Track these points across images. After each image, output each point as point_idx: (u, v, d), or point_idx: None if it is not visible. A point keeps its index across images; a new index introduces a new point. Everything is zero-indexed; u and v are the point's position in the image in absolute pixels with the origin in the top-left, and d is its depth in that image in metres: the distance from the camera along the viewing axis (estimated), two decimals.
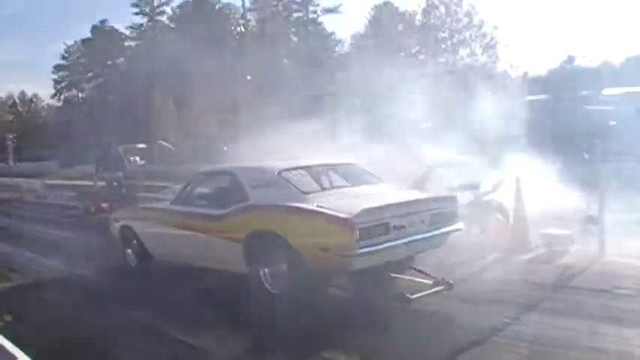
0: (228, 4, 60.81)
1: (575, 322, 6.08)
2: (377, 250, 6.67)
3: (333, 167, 8.52)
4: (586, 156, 9.58)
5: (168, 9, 65.73)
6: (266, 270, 7.27)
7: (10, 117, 72.95)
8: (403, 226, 6.95)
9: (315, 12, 60.59)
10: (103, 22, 67.71)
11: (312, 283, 7.00)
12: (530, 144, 13.34)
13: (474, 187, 9.97)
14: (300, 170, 8.02)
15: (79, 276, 9.44)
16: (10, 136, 34.80)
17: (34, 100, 77.30)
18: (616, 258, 8.44)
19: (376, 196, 7.41)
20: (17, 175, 30.94)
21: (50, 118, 73.35)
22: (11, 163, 33.38)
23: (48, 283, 9.10)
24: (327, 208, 6.84)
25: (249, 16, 55.05)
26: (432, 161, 10.87)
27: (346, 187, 8.05)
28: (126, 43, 68.42)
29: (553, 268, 8.31)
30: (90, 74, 70.03)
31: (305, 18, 60.79)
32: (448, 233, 7.61)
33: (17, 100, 76.28)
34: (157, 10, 65.81)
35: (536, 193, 10.30)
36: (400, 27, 53.08)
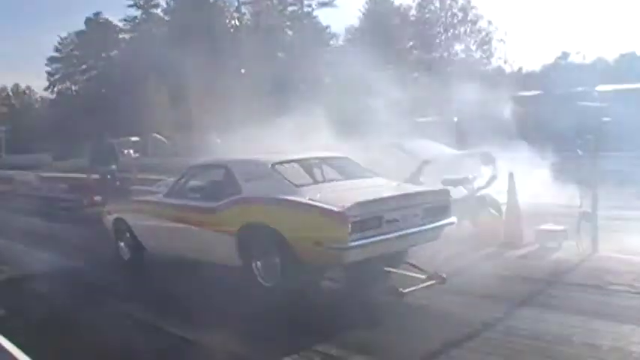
0: None
1: (567, 318, 6.07)
2: (370, 244, 6.68)
3: (326, 160, 8.51)
4: (579, 152, 9.58)
5: (162, 1, 65.60)
6: (259, 263, 7.26)
7: (4, 109, 72.65)
8: (396, 220, 6.95)
9: (309, 5, 60.63)
10: (97, 14, 67.42)
11: (304, 276, 7.00)
12: (523, 139, 13.37)
13: (468, 181, 9.97)
14: (293, 163, 8.01)
15: (71, 269, 9.42)
16: (3, 129, 34.67)
17: (27, 92, 76.98)
18: (609, 254, 8.44)
19: (369, 190, 7.41)
20: (10, 168, 30.82)
21: (44, 110, 73.06)
22: (3, 155, 33.26)
23: (40, 276, 9.05)
24: (320, 201, 6.85)
25: (243, 9, 55.08)
26: (426, 156, 10.85)
27: (339, 180, 8.05)
28: (120, 36, 68.17)
29: (546, 264, 8.31)
30: (84, 67, 69.71)
31: (300, 11, 60.71)
32: (441, 227, 7.61)
33: (10, 93, 75.97)
34: (152, 3, 65.61)
35: (529, 188, 10.32)
36: (395, 21, 53.04)
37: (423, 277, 7.15)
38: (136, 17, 66.34)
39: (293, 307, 6.61)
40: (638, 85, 22.65)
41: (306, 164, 8.15)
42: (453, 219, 7.80)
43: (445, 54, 51.18)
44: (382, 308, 6.62)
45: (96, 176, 18.27)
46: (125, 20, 66.79)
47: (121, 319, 6.76)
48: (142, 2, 65.47)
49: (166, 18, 64.31)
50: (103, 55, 67.78)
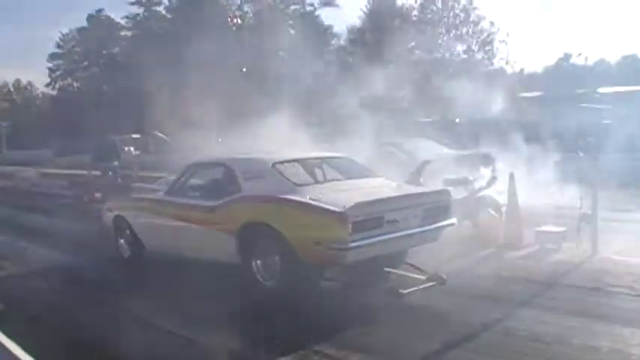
0: None
1: (567, 320, 6.07)
2: (370, 244, 6.68)
3: (327, 160, 8.52)
4: (580, 153, 9.59)
5: None
6: (258, 262, 7.27)
7: (5, 104, 72.65)
8: (396, 221, 6.95)
9: (312, 5, 60.54)
10: (99, 11, 67.26)
11: (304, 276, 6.99)
12: (524, 141, 13.37)
13: (468, 182, 9.97)
14: (294, 162, 8.01)
15: (71, 266, 9.42)
16: (5, 124, 34.66)
17: (28, 88, 76.97)
18: (609, 256, 8.45)
19: (370, 190, 7.41)
20: (11, 163, 30.81)
21: (45, 106, 73.04)
22: (4, 150, 33.26)
23: (40, 272, 9.08)
24: (321, 201, 6.85)
25: (245, 7, 54.96)
26: (426, 156, 10.87)
27: (340, 180, 8.04)
28: (122, 33, 68.06)
29: (546, 265, 8.31)
30: (85, 63, 69.58)
31: (302, 10, 60.60)
32: (441, 228, 7.61)
33: (12, 88, 75.96)
34: (154, 1, 65.53)
35: (530, 189, 10.32)
36: (397, 21, 53.00)
37: (423, 277, 7.15)
38: (137, 14, 66.16)
39: (292, 307, 6.61)
40: (639, 87, 22.66)
41: (306, 163, 8.15)
42: (453, 220, 7.81)
43: (447, 54, 51.11)
44: (382, 309, 6.62)
45: (97, 173, 18.29)
46: (127, 17, 66.60)
47: (120, 317, 6.75)
48: (143, 0, 65.40)
49: (168, 16, 64.21)
50: (105, 52, 67.64)
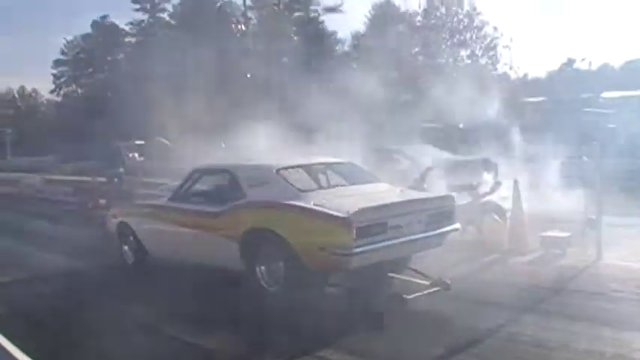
0: (229, 2, 60.70)
1: (571, 325, 6.06)
2: (374, 250, 6.69)
3: (330, 166, 8.52)
4: (585, 158, 9.58)
5: (169, 6, 65.64)
6: (262, 267, 7.27)
7: (9, 111, 72.83)
8: (400, 226, 6.95)
9: (316, 11, 60.59)
10: (103, 17, 67.41)
11: (308, 282, 6.99)
12: (528, 146, 13.36)
13: (472, 188, 9.97)
14: (297, 168, 8.02)
15: (75, 272, 9.42)
16: (9, 131, 34.72)
17: (33, 94, 77.13)
18: (614, 261, 8.43)
19: (374, 196, 7.42)
20: (15, 170, 30.86)
21: (49, 113, 73.19)
22: (9, 157, 33.31)
23: (44, 278, 9.09)
24: (325, 207, 6.85)
25: (250, 14, 55.05)
26: (429, 162, 10.88)
27: (344, 185, 8.05)
28: (126, 39, 68.23)
29: (550, 271, 8.30)
30: (90, 70, 69.77)
31: (306, 17, 60.67)
32: (445, 234, 7.61)
33: (16, 95, 76.14)
34: (158, 7, 65.70)
35: (534, 195, 10.31)
36: (400, 27, 53.04)
37: (427, 283, 7.14)
38: (142, 21, 66.37)
39: (296, 313, 6.60)
40: None
41: (310, 169, 8.17)
42: (457, 225, 7.80)
43: (450, 60, 51.09)
44: (386, 314, 6.60)
45: (102, 179, 18.31)
46: (131, 24, 66.76)
47: (124, 323, 6.74)
48: (148, 6, 65.55)
49: (172, 22, 64.35)
50: (109, 58, 67.83)
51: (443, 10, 53.52)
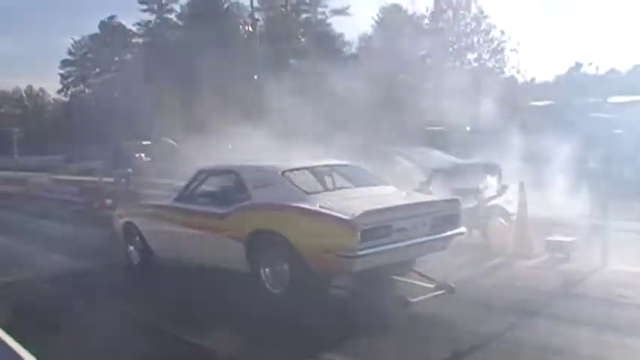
0: (236, 3, 60.80)
1: (576, 330, 6.04)
2: (378, 252, 6.68)
3: (336, 168, 8.52)
4: (591, 163, 9.55)
5: (176, 7, 65.76)
6: (267, 269, 7.27)
7: (17, 111, 73.08)
8: (405, 229, 6.94)
9: (323, 13, 60.65)
10: (111, 18, 67.61)
11: (312, 284, 7.00)
12: (534, 149, 13.33)
13: (478, 191, 9.96)
14: (303, 170, 8.02)
15: (81, 272, 9.44)
16: (17, 130, 34.81)
17: (40, 94, 77.37)
18: (619, 266, 8.39)
19: (379, 198, 7.41)
20: (22, 169, 30.93)
21: (57, 113, 73.41)
22: (16, 156, 33.39)
23: (50, 278, 9.10)
24: (330, 209, 6.84)
25: (257, 15, 55.11)
26: (435, 165, 10.86)
27: (349, 188, 8.06)
28: (133, 40, 68.38)
29: (555, 275, 8.27)
30: (97, 70, 69.97)
31: (313, 19, 60.70)
32: (450, 237, 7.59)
33: (24, 94, 76.39)
34: (165, 8, 65.82)
35: (540, 198, 10.28)
36: (408, 30, 53.03)
37: (432, 286, 7.13)
38: (149, 22, 66.53)
39: (300, 315, 6.60)
40: None
41: (315, 171, 8.16)
42: (462, 229, 7.79)
43: (458, 63, 51.02)
44: (390, 317, 6.61)
45: (109, 179, 18.34)
46: (139, 25, 66.94)
47: (128, 323, 6.76)
48: (155, 7, 65.69)
49: (180, 23, 64.50)
50: (117, 58, 67.95)
51: (450, 13, 53.47)
